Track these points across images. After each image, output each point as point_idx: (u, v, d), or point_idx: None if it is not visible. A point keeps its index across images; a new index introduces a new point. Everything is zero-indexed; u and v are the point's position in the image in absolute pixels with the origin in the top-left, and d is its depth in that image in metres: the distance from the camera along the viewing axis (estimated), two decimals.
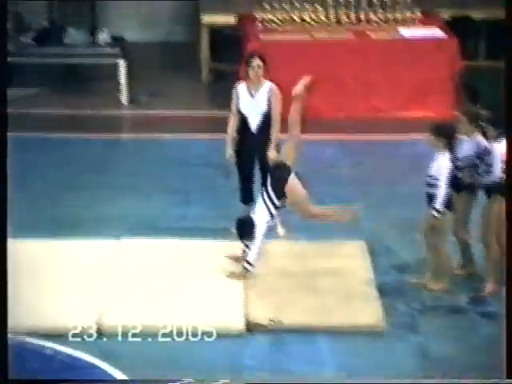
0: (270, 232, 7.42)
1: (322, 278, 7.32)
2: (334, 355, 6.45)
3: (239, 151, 7.94)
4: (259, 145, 7.85)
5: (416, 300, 7.17)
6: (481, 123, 7.37)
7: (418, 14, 11.61)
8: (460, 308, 7.14)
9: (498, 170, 7.18)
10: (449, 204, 7.18)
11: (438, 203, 7.10)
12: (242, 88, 7.93)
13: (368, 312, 6.89)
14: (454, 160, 7.16)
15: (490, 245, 7.29)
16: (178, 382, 5.52)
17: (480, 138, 7.32)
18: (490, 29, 12.30)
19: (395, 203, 8.72)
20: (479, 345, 6.66)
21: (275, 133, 7.85)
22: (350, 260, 7.58)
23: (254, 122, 7.89)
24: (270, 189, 7.18)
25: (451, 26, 11.74)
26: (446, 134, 7.15)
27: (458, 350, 6.56)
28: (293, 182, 7.19)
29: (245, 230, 7.21)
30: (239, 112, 7.90)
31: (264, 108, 7.86)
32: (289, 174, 7.18)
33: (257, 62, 7.82)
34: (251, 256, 7.21)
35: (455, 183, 7.22)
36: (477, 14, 12.16)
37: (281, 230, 8.07)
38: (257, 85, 7.87)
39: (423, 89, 11.12)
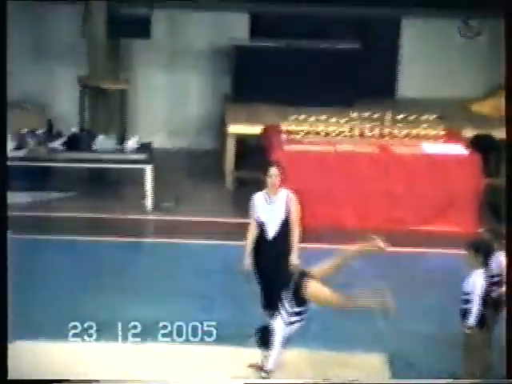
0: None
1: None
2: None
3: (258, 259, 7.99)
4: (277, 252, 7.92)
5: None
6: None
7: (442, 131, 11.78)
8: None
9: None
10: (482, 321, 7.15)
11: (472, 320, 7.08)
12: (259, 197, 8.06)
13: None
14: (488, 277, 7.17)
15: None
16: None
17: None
18: None
19: (418, 317, 8.68)
20: None
21: (296, 238, 7.94)
22: (368, 372, 7.51)
23: (271, 230, 7.98)
24: (289, 297, 7.19)
25: (473, 143, 11.89)
26: (484, 251, 7.19)
27: None
28: (313, 287, 7.18)
29: (264, 338, 7.20)
30: (257, 220, 8.01)
31: (282, 215, 7.96)
32: (306, 281, 7.19)
33: (273, 170, 8.00)
34: (269, 364, 7.17)
35: (487, 300, 7.21)
36: (498, 133, 12.33)
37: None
38: (274, 192, 8.01)
39: (446, 203, 11.19)
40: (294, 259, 7.88)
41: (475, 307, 7.10)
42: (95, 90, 12.68)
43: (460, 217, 11.05)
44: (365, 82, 12.88)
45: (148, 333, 7.94)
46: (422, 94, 13.37)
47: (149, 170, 11.64)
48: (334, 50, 13.08)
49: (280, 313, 7.23)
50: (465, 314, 7.16)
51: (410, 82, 13.49)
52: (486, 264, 7.18)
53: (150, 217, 11.43)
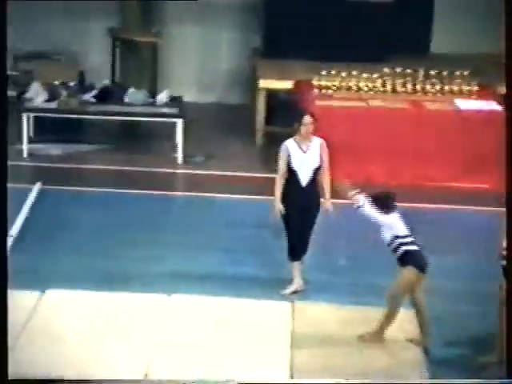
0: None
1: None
2: None
3: (290, 206, 8.05)
4: (310, 199, 8.05)
5: None
6: None
7: (475, 87, 11.67)
8: None
9: None
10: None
11: None
12: (291, 145, 8.11)
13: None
14: None
15: None
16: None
17: None
18: None
19: (445, 273, 8.69)
20: None
21: (328, 185, 8.08)
22: (396, 326, 7.55)
23: (304, 177, 8.06)
24: None
25: (508, 100, 11.74)
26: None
27: None
28: None
29: None
30: (290, 168, 8.05)
31: (316, 162, 8.08)
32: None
33: (307, 119, 8.10)
34: None
35: None
36: None
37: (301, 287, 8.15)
38: (307, 141, 8.09)
39: (477, 161, 11.13)
40: (328, 204, 8.06)
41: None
42: (127, 42, 12.67)
43: (489, 175, 10.98)
44: (398, 36, 12.75)
45: (179, 286, 8.06)
46: (456, 49, 13.20)
47: (180, 123, 11.67)
48: (367, 3, 12.94)
49: None
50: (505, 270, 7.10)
51: (444, 37, 13.33)
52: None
53: (181, 170, 11.48)
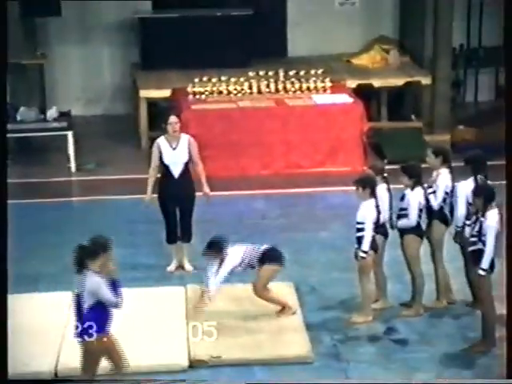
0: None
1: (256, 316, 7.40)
2: None
3: (165, 196, 8.21)
4: (183, 188, 8.14)
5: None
6: (385, 176, 7.59)
7: (328, 83, 11.93)
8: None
9: (412, 214, 7.37)
10: (374, 246, 7.34)
11: (366, 245, 7.26)
12: (162, 142, 8.24)
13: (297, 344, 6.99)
14: (376, 207, 7.32)
15: (415, 273, 7.47)
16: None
17: (384, 188, 7.52)
18: (390, 94, 12.70)
19: (318, 248, 8.88)
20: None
21: (203, 173, 8.23)
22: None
23: (176, 170, 8.16)
24: None
25: (357, 92, 12.09)
26: (369, 185, 7.32)
27: None
28: None
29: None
30: (163, 163, 8.12)
31: (185, 157, 8.17)
32: None
33: (172, 118, 8.21)
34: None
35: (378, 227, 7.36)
36: (376, 82, 12.55)
37: (188, 267, 8.31)
38: (176, 138, 8.16)
39: (336, 147, 11.40)
40: (205, 189, 8.22)
41: (368, 234, 7.27)
42: (15, 65, 12.36)
43: (348, 158, 11.28)
44: (259, 44, 12.90)
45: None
46: (309, 52, 13.50)
47: (70, 136, 11.51)
48: (230, 16, 13.03)
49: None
50: (359, 241, 7.33)
51: (298, 42, 13.61)
52: (373, 196, 7.35)
53: (75, 178, 11.32)
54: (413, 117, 12.58)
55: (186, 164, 8.19)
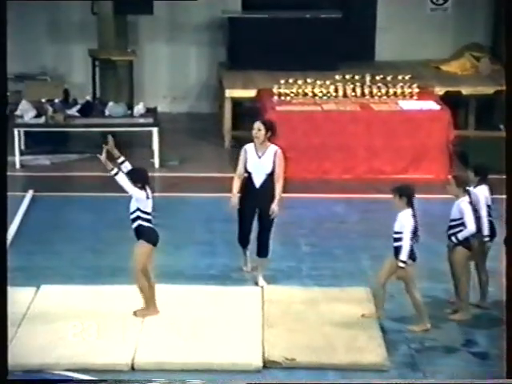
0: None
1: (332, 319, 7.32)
2: None
3: (244, 204, 8.00)
4: (262, 200, 7.89)
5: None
6: (468, 189, 7.43)
7: (415, 90, 11.75)
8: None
9: (469, 222, 7.34)
10: (412, 255, 7.19)
11: (404, 255, 7.12)
12: (250, 148, 8.00)
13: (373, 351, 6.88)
14: (413, 216, 7.16)
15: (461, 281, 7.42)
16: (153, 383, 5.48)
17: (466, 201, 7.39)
18: (479, 102, 12.42)
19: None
20: None
21: (279, 190, 7.89)
22: (357, 304, 7.58)
23: (258, 180, 7.93)
24: None
25: (444, 100, 11.87)
26: (406, 194, 7.15)
27: None
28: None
29: None
30: (247, 170, 7.97)
31: (269, 168, 7.90)
32: None
33: (257, 125, 7.91)
34: None
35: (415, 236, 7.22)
36: (465, 89, 12.30)
37: (262, 282, 8.07)
38: (263, 147, 7.91)
39: (420, 154, 11.22)
40: (274, 206, 7.87)
41: (406, 244, 7.10)
42: (105, 61, 12.60)
43: (432, 166, 11.08)
44: (347, 47, 12.80)
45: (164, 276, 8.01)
46: (397, 57, 13.33)
47: (155, 132, 11.63)
48: (319, 19, 12.97)
49: None
50: (397, 250, 7.16)
51: (387, 46, 13.46)
52: (410, 205, 7.15)
53: (158, 174, 11.44)
54: (501, 127, 12.26)
55: (270, 175, 7.89)
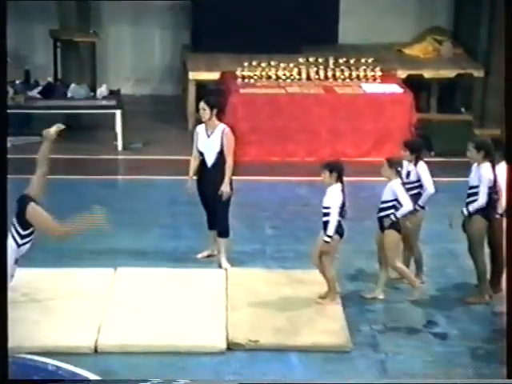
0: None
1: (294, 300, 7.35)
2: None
3: (200, 184, 8.01)
4: (214, 179, 7.88)
5: None
6: (399, 170, 7.49)
7: (378, 73, 11.78)
8: None
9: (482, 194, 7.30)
10: (339, 230, 7.26)
11: (331, 230, 7.17)
12: (201, 128, 7.99)
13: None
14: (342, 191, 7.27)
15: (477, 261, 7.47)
16: (148, 383, 5.49)
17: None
18: (441, 86, 12.50)
19: (362, 237, 8.78)
20: None
21: (228, 169, 7.87)
22: (320, 286, 7.61)
23: (209, 159, 7.92)
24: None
25: (407, 83, 11.92)
26: (336, 169, 7.27)
27: None
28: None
29: None
30: (198, 150, 7.96)
31: (218, 147, 7.89)
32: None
33: (201, 105, 7.91)
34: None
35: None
36: (427, 73, 12.37)
37: (225, 264, 8.04)
38: (212, 126, 7.89)
39: (383, 137, 11.27)
40: (224, 187, 7.85)
41: (333, 219, 7.14)
42: (67, 42, 12.44)
43: (395, 148, 11.03)
44: (310, 30, 12.78)
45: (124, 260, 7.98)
46: (360, 40, 13.35)
47: (118, 114, 11.55)
48: (283, 1, 12.91)
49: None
50: (325, 225, 7.22)
51: (350, 30, 13.48)
52: (340, 180, 7.22)
53: (121, 156, 11.36)
54: (463, 110, 12.37)
55: (220, 154, 7.86)
